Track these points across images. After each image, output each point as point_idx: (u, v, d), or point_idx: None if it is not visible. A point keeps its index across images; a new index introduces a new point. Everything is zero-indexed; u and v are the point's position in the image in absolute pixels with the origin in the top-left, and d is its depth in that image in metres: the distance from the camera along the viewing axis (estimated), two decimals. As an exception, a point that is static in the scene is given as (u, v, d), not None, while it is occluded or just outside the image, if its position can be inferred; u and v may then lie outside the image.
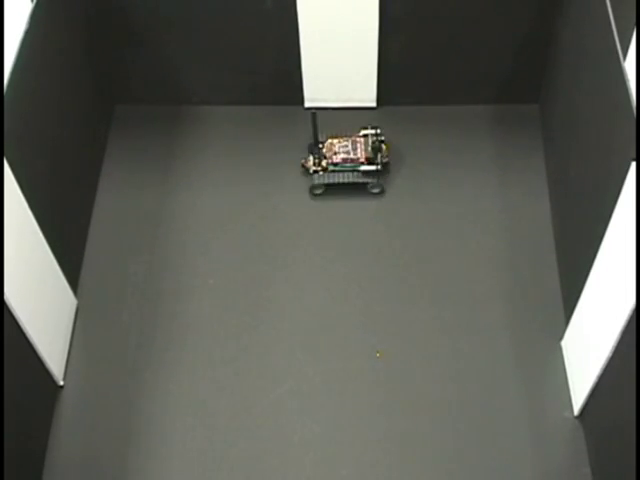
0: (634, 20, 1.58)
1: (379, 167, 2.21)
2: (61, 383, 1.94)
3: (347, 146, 2.22)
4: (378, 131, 2.25)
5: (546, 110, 2.30)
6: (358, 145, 2.22)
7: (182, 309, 2.05)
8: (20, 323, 1.71)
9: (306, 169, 2.23)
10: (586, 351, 1.81)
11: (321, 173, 2.21)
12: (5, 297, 1.62)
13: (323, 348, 1.99)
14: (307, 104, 2.40)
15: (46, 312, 1.88)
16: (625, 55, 1.64)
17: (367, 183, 2.21)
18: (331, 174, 2.21)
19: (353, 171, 2.21)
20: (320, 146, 2.23)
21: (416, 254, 2.13)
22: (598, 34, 1.78)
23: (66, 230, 2.06)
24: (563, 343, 1.97)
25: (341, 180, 2.21)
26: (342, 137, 2.24)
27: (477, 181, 2.25)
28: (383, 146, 2.24)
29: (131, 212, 2.22)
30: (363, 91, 2.36)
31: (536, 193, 2.22)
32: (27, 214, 1.78)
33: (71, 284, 2.03)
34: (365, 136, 2.24)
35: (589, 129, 1.87)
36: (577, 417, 1.87)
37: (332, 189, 2.22)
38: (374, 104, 2.39)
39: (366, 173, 2.21)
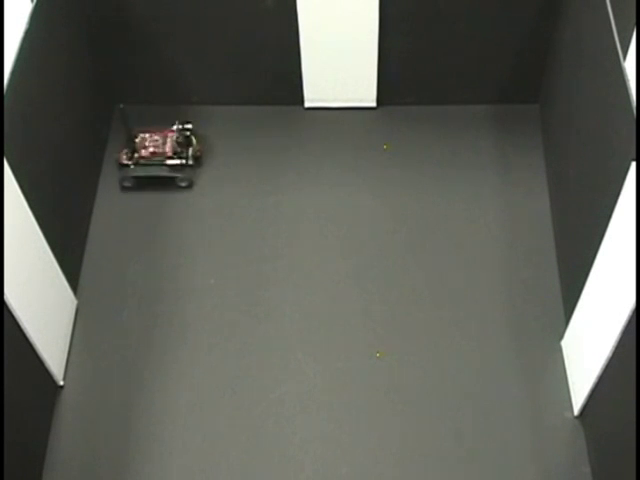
0: (634, 20, 1.58)
1: (186, 161, 2.23)
2: (61, 383, 1.94)
3: (157, 140, 2.24)
4: (188, 126, 2.26)
5: (546, 110, 2.30)
6: (168, 139, 2.24)
7: (182, 309, 2.05)
8: (20, 323, 1.71)
9: (119, 163, 2.26)
10: (586, 351, 1.81)
11: (132, 167, 2.23)
12: (5, 297, 1.62)
13: (323, 348, 1.99)
14: (307, 104, 2.40)
15: (46, 312, 1.88)
16: (625, 55, 1.64)
17: (175, 177, 2.24)
18: (139, 167, 2.24)
19: (160, 165, 2.23)
20: (135, 140, 2.26)
21: (416, 254, 2.13)
22: (598, 34, 1.78)
23: (66, 230, 2.06)
24: (563, 343, 1.97)
25: (146, 173, 2.23)
26: (155, 131, 2.27)
27: (477, 181, 2.25)
28: (193, 139, 2.26)
29: (131, 212, 2.22)
30: (363, 91, 2.36)
31: (536, 193, 2.22)
32: (27, 214, 1.78)
33: (71, 284, 2.03)
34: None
35: (589, 129, 1.87)
36: (577, 417, 1.87)
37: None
38: (374, 104, 2.39)
39: (173, 167, 2.23)
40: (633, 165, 1.50)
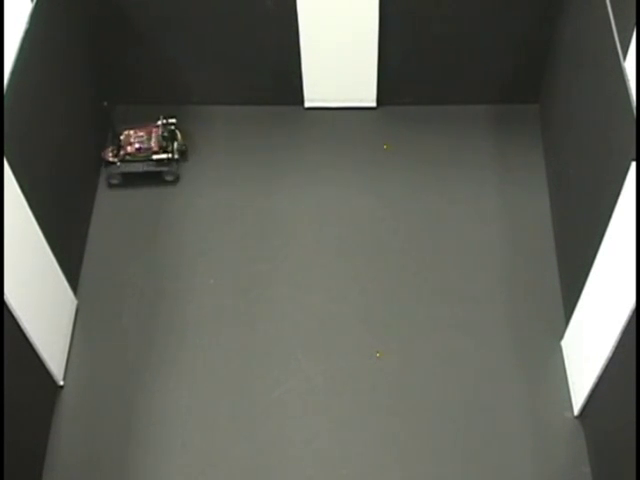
0: (634, 20, 1.58)
1: (171, 155, 2.25)
2: (61, 383, 1.94)
3: (143, 136, 2.26)
4: (172, 120, 2.28)
5: (546, 110, 2.30)
6: (153, 135, 2.26)
7: (182, 309, 2.05)
8: (20, 323, 1.71)
9: (105, 160, 2.27)
10: (586, 351, 1.81)
11: (118, 164, 2.25)
12: (5, 297, 1.62)
13: (323, 348, 1.99)
14: (307, 104, 2.40)
15: (46, 312, 1.88)
16: (625, 55, 1.64)
17: (162, 172, 2.25)
18: (126, 164, 2.25)
19: (146, 160, 2.25)
20: (120, 138, 2.27)
21: (416, 254, 2.13)
22: (598, 34, 1.78)
23: (66, 230, 2.06)
24: (563, 343, 1.97)
25: (134, 169, 2.25)
26: (140, 128, 2.28)
27: (477, 181, 2.25)
28: (178, 134, 2.27)
29: (131, 212, 2.22)
30: (363, 91, 2.36)
31: (536, 193, 2.22)
32: (27, 214, 1.78)
33: (71, 284, 2.03)
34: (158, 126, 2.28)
35: (589, 129, 1.87)
36: (577, 417, 1.87)
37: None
38: (374, 104, 2.39)
39: (159, 161, 2.24)
40: (633, 165, 1.50)
